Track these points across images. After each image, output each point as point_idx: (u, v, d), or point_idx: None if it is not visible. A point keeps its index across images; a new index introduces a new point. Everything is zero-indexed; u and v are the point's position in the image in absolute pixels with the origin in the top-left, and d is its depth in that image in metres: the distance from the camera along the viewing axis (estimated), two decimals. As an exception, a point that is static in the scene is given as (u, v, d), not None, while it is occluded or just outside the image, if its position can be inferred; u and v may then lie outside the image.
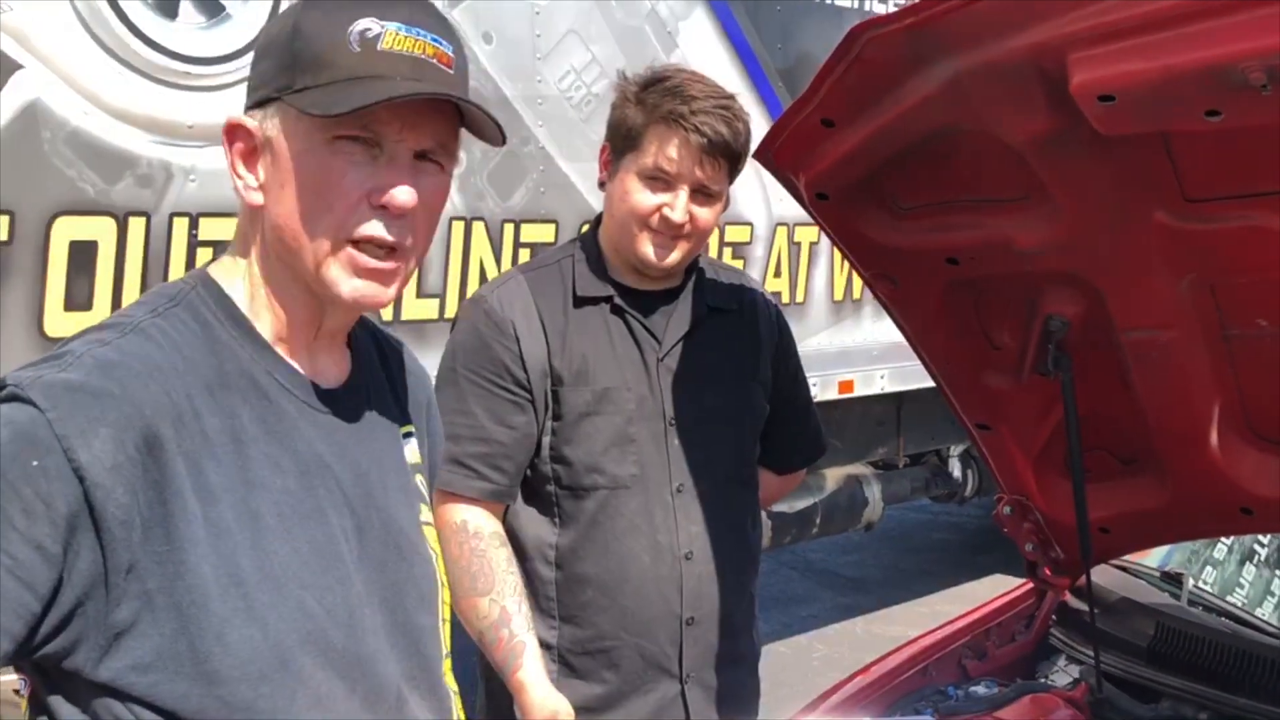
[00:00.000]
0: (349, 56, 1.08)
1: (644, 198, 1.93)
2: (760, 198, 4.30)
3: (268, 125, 1.12)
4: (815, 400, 4.66)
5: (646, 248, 1.95)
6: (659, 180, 1.93)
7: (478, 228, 3.55)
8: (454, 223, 3.50)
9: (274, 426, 1.12)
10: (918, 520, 8.24)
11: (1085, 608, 2.52)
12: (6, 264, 2.72)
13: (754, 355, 2.15)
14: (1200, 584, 2.77)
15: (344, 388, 1.22)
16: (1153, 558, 2.89)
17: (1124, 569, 2.84)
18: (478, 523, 1.93)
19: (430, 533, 1.30)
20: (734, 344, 2.12)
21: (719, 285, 2.14)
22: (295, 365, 1.17)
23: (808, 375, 4.54)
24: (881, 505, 5.84)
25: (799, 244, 4.51)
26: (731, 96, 1.96)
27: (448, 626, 1.28)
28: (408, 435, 1.32)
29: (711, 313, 2.09)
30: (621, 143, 1.96)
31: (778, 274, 4.49)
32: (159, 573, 1.01)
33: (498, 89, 3.54)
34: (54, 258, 2.77)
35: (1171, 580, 2.78)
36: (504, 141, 1.19)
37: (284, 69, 1.10)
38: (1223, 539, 2.85)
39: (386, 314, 3.33)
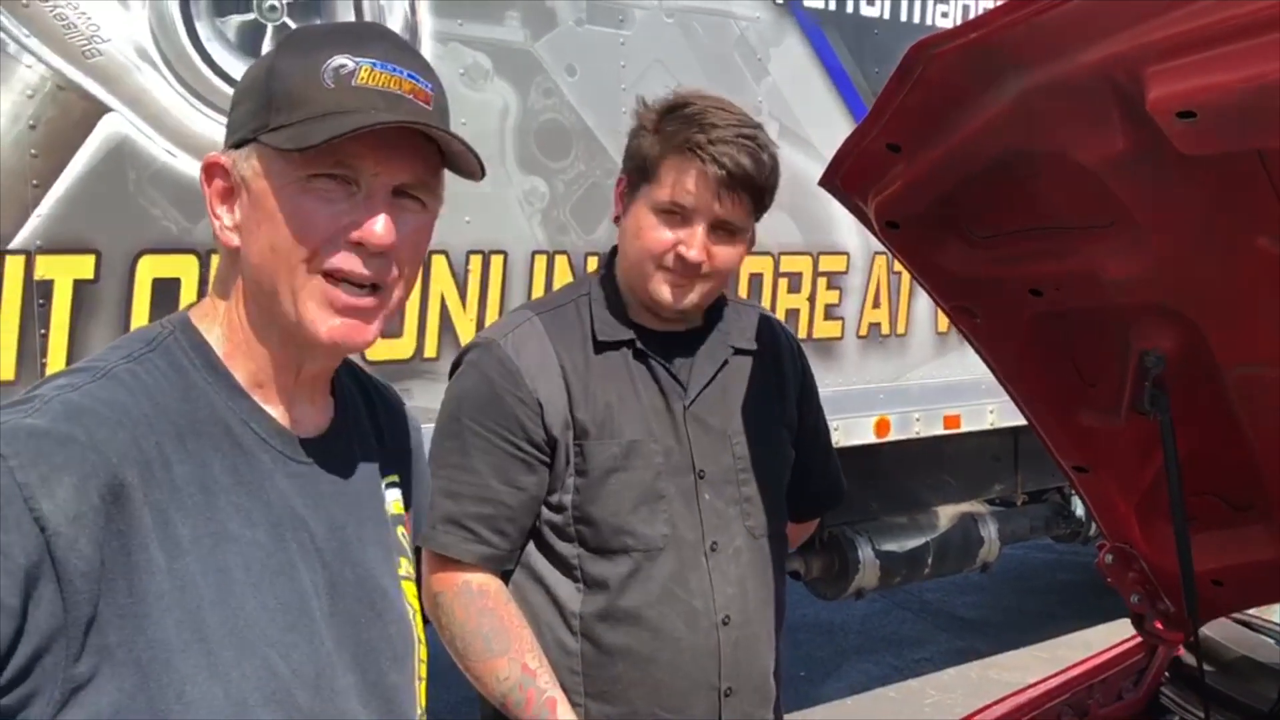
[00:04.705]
0: (322, 93, 1.06)
1: (658, 234, 1.79)
2: (856, 225, 4.15)
3: (243, 166, 1.10)
4: (919, 436, 4.55)
5: (661, 288, 1.82)
6: (674, 215, 1.79)
7: (560, 261, 3.51)
8: (537, 256, 3.47)
9: (246, 477, 1.09)
10: (1042, 560, 7.90)
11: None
12: (93, 301, 2.78)
13: (780, 399, 2.02)
14: (1332, 642, 2.54)
15: (323, 437, 1.19)
16: (1279, 612, 2.66)
17: (1246, 624, 2.62)
18: (481, 581, 1.81)
19: (410, 588, 1.25)
20: (760, 388, 1.98)
21: (742, 325, 2.00)
22: (273, 413, 1.14)
23: (910, 410, 4.49)
24: (998, 544, 5.59)
25: (899, 274, 4.35)
26: (758, 125, 1.82)
27: (424, 685, 1.23)
28: (391, 485, 1.27)
29: (736, 355, 1.96)
30: (636, 174, 1.83)
31: (877, 305, 4.34)
32: (120, 626, 0.98)
33: (581, 121, 3.51)
34: (138, 295, 2.82)
35: (1300, 638, 2.56)
36: (483, 175, 1.14)
37: (259, 109, 1.08)
38: (1357, 593, 2.61)
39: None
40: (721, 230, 1.81)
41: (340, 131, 1.03)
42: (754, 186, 1.80)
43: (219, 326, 1.14)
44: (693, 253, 1.79)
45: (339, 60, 1.06)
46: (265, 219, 1.08)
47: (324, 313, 1.09)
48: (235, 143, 1.11)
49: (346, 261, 1.08)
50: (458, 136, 1.10)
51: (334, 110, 1.05)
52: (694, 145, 1.75)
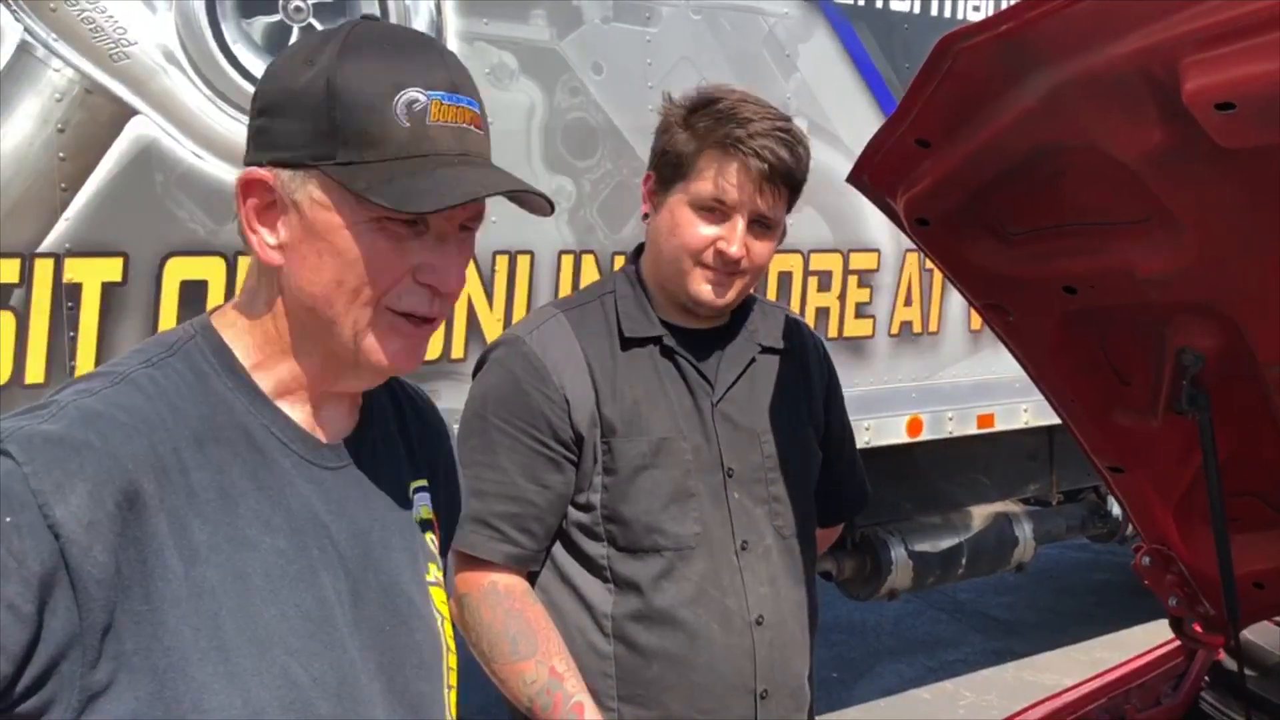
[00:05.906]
0: (398, 132, 1.03)
1: (697, 230, 1.78)
2: (887, 221, 4.10)
3: (296, 189, 1.06)
4: (953, 435, 4.50)
5: (700, 285, 1.80)
6: (713, 211, 1.78)
7: (587, 260, 3.49)
8: (563, 256, 3.45)
9: (266, 482, 1.07)
10: (1078, 560, 7.80)
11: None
12: (121, 303, 2.79)
13: (808, 399, 1.99)
14: (1379, 647, 2.48)
15: (349, 441, 1.17)
16: (1324, 615, 2.60)
17: (1290, 627, 2.57)
18: (507, 581, 1.79)
19: (438, 594, 1.23)
20: (788, 387, 1.96)
21: (769, 323, 1.99)
22: (296, 417, 1.13)
23: (943, 409, 4.44)
24: (1033, 545, 5.52)
25: (931, 271, 4.30)
26: (789, 119, 1.82)
27: (454, 693, 1.21)
28: (419, 490, 1.25)
29: (763, 353, 1.94)
30: (670, 171, 1.81)
31: (908, 303, 4.29)
32: (137, 634, 0.97)
33: (608, 119, 3.49)
34: (166, 297, 2.83)
35: (1345, 642, 2.49)
36: (552, 211, 1.13)
37: (321, 136, 1.04)
38: (1404, 596, 2.54)
39: (495, 349, 3.29)
40: (758, 225, 1.81)
41: (445, 205, 1.02)
42: (793, 180, 1.80)
43: (249, 337, 1.12)
44: (733, 248, 1.78)
45: (411, 94, 1.03)
46: (330, 253, 1.06)
47: (389, 343, 1.09)
48: (284, 162, 1.06)
49: (415, 301, 1.08)
50: (534, 190, 1.09)
51: (412, 153, 1.03)
52: (734, 140, 1.75)
